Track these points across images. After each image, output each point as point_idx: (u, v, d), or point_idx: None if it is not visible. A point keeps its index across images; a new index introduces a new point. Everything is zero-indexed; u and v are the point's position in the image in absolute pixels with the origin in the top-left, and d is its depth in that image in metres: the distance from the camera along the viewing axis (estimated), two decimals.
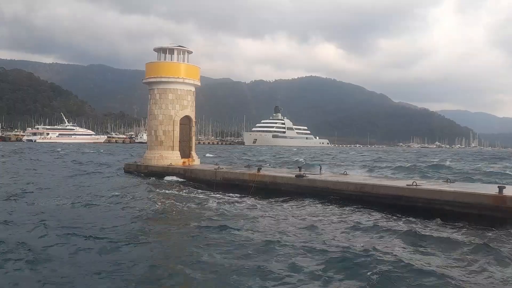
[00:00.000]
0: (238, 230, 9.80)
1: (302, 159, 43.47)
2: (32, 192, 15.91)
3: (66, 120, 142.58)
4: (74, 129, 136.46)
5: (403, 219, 11.55)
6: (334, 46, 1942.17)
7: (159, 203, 13.84)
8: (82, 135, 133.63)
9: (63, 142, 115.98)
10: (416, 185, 13.12)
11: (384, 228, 10.32)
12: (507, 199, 10.93)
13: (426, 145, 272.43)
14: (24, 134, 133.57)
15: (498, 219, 10.76)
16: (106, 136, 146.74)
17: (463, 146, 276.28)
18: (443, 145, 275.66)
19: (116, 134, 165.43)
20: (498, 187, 11.51)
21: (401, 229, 10.28)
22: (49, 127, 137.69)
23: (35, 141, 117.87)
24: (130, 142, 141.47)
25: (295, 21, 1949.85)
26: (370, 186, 14.01)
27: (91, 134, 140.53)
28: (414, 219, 11.51)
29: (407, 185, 13.32)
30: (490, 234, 9.79)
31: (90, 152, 56.34)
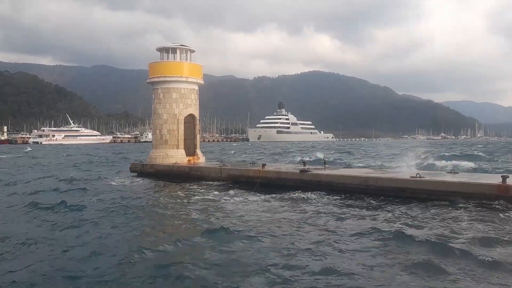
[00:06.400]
0: None
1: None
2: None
3: (71, 122, 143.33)
4: (79, 130, 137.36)
5: (406, 208, 11.63)
6: (328, 37, 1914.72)
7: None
8: (87, 136, 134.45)
9: (69, 143, 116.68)
10: (420, 176, 13.21)
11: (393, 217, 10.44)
12: (510, 188, 11.02)
13: (431, 136, 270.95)
14: (30, 136, 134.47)
15: (502, 208, 10.84)
16: (111, 137, 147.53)
17: (469, 137, 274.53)
18: (448, 136, 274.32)
19: (121, 134, 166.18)
20: (502, 176, 11.60)
21: (407, 217, 10.39)
22: (54, 129, 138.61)
23: (41, 143, 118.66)
24: (135, 142, 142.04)
25: (284, 12, 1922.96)
26: (374, 179, 14.11)
27: (96, 135, 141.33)
28: (418, 210, 11.60)
29: (411, 177, 13.40)
30: (494, 221, 9.84)
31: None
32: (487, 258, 7.07)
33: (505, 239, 8.32)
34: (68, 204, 13.18)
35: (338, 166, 23.90)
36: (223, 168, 19.27)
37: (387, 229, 9.29)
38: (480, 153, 39.61)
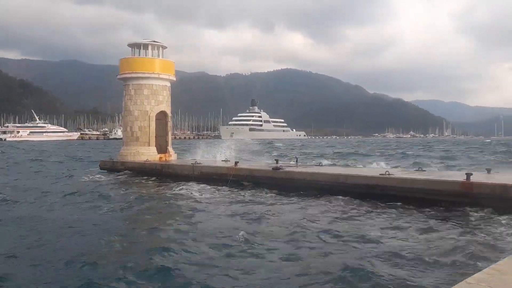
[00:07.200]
0: None
1: None
2: None
3: (37, 118, 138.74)
4: (45, 127, 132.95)
5: (376, 206, 11.91)
6: (300, 35, 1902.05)
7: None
8: (54, 133, 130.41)
9: (35, 140, 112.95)
10: (389, 174, 13.54)
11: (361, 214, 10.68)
12: (473, 185, 11.44)
13: (401, 135, 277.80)
14: None
15: (466, 204, 11.25)
16: (79, 133, 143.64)
17: (437, 135, 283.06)
18: (417, 135, 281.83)
19: (89, 131, 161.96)
20: (466, 174, 12.00)
21: (377, 215, 10.65)
22: (19, 125, 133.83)
23: (5, 139, 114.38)
24: (104, 139, 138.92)
25: (256, 9, 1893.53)
26: (345, 176, 14.35)
27: (63, 131, 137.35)
28: (386, 206, 11.90)
29: (380, 174, 13.71)
30: (457, 216, 10.21)
31: None
32: (426, 258, 7.09)
33: (454, 236, 8.52)
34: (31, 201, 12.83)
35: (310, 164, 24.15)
36: (195, 166, 19.14)
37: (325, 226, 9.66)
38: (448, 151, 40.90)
